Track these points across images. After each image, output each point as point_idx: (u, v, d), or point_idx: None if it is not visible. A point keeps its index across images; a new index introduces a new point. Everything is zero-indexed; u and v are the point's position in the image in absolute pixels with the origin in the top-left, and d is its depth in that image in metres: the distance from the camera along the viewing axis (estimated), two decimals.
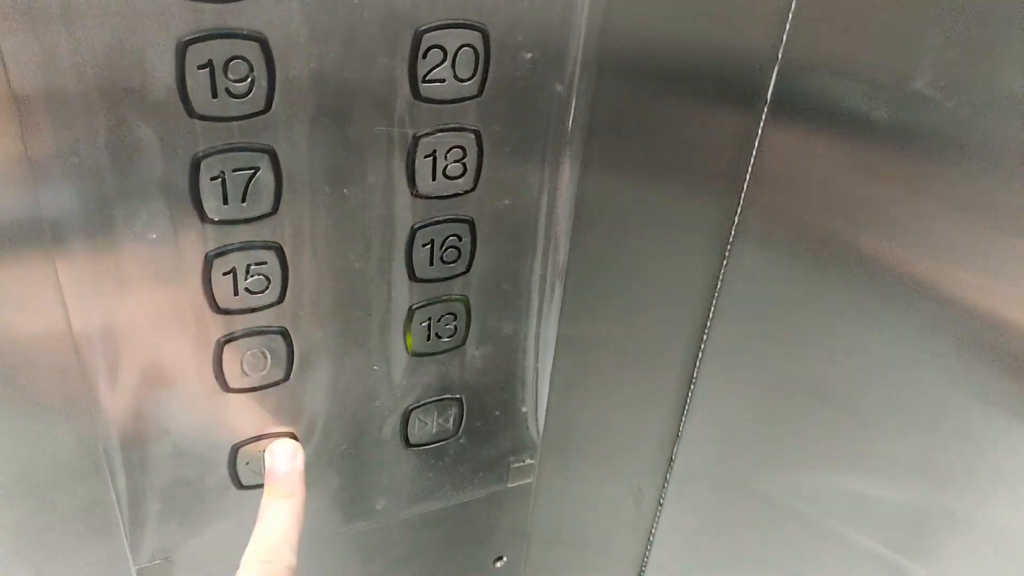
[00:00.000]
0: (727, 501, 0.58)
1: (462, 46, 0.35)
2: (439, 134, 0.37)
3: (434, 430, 0.48)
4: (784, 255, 0.48)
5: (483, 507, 0.53)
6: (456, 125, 0.37)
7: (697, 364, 0.54)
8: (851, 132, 0.42)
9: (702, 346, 0.53)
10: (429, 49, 0.34)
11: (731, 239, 0.49)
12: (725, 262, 0.50)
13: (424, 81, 0.35)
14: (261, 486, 0.44)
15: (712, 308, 0.52)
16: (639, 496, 0.62)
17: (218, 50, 0.31)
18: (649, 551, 0.65)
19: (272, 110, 0.33)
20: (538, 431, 0.52)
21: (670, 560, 0.64)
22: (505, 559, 0.58)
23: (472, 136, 0.38)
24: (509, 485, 0.54)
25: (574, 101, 0.39)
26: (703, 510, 0.60)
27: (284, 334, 0.40)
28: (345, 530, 0.49)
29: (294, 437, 0.43)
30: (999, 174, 0.38)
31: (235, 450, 0.42)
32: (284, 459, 0.43)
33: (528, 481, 0.54)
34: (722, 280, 0.50)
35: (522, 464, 0.53)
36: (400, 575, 0.54)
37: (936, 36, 0.37)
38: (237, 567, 0.44)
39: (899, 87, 0.39)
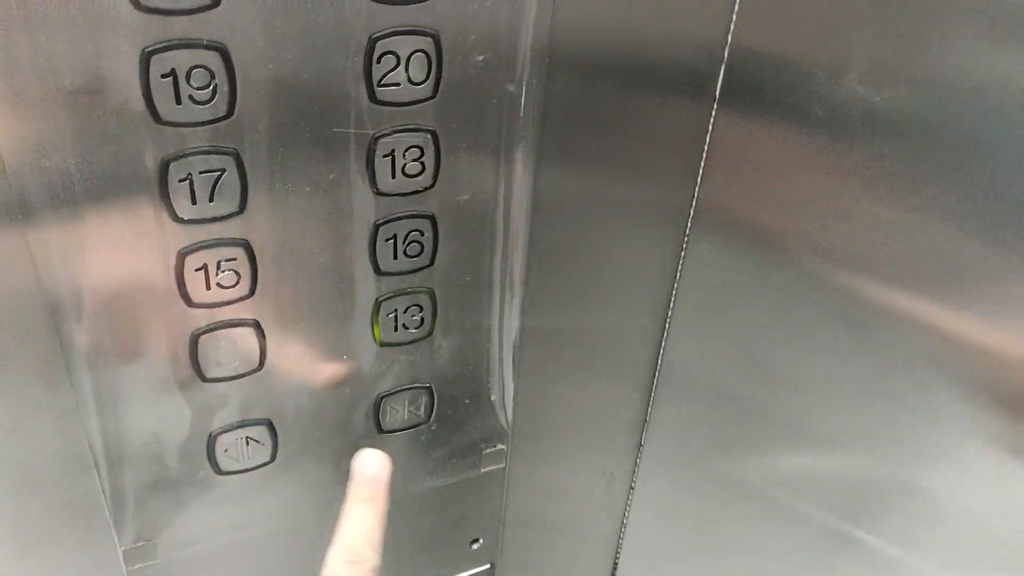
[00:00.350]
0: (696, 483, 0.60)
1: (415, 51, 0.37)
2: (396, 134, 0.39)
3: (405, 417, 0.50)
4: (740, 242, 0.50)
5: (457, 491, 0.56)
6: (413, 125, 0.39)
7: (660, 351, 0.57)
8: (799, 121, 0.44)
9: (664, 334, 0.55)
10: (383, 55, 0.37)
11: (688, 228, 0.51)
12: (683, 252, 0.52)
13: (379, 85, 0.37)
14: (240, 472, 0.47)
15: (672, 296, 0.54)
16: (611, 480, 0.64)
17: (181, 59, 0.33)
18: (623, 533, 0.67)
19: (235, 115, 0.35)
20: (507, 418, 0.54)
21: (644, 542, 0.66)
22: (481, 541, 0.60)
23: (429, 136, 0.40)
24: (482, 470, 0.56)
25: (525, 99, 0.41)
26: (673, 493, 0.63)
27: (256, 326, 0.42)
28: (319, 517, 0.51)
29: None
30: (940, 163, 0.40)
31: (213, 437, 0.45)
32: (371, 465, 0.46)
33: (500, 466, 0.56)
34: (681, 269, 0.52)
35: (493, 450, 0.55)
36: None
37: (879, 24, 0.39)
38: (218, 548, 0.47)
39: (843, 76, 0.41)
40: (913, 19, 0.38)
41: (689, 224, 0.51)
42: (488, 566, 0.62)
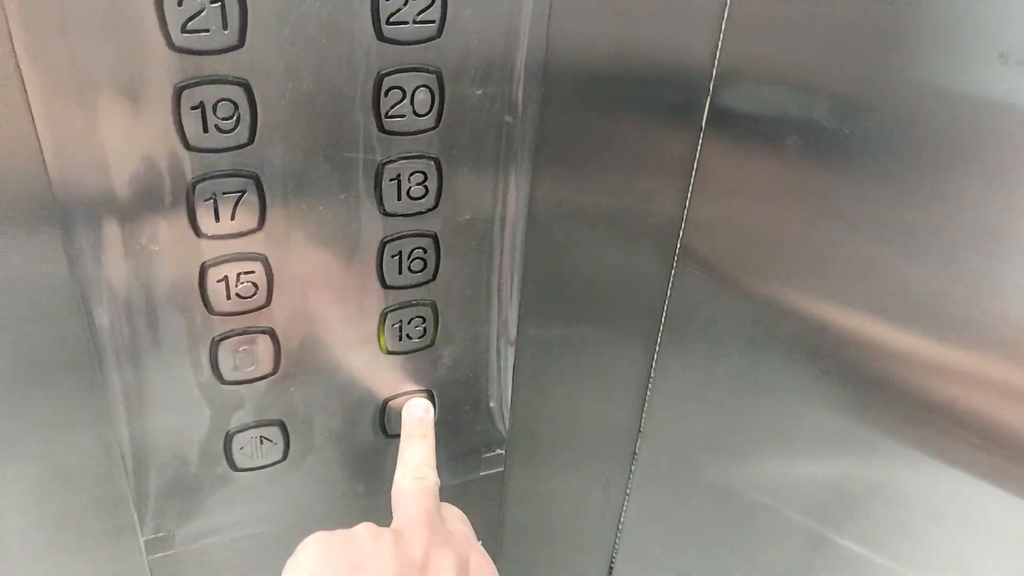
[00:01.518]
0: (688, 489, 0.63)
1: (419, 86, 0.41)
2: (402, 161, 0.43)
3: None
4: (726, 261, 0.53)
5: (457, 494, 0.59)
6: (417, 153, 0.43)
7: (653, 364, 0.60)
8: (784, 143, 0.47)
9: (656, 347, 0.59)
10: (390, 89, 0.40)
11: (677, 247, 0.54)
12: (673, 270, 0.55)
13: (387, 116, 0.41)
14: (254, 469, 0.50)
15: (663, 311, 0.57)
16: (606, 487, 0.67)
17: (208, 94, 0.37)
18: (618, 538, 0.70)
19: (255, 142, 0.39)
20: (505, 425, 0.57)
21: (638, 547, 0.69)
22: (480, 543, 0.63)
23: (432, 162, 0.44)
24: (481, 474, 0.59)
25: (521, 128, 0.45)
26: (667, 499, 0.66)
27: (271, 334, 0.46)
28: (328, 513, 0.55)
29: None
30: (906, 184, 0.43)
31: (230, 436, 0.48)
32: (420, 409, 0.52)
33: (499, 471, 0.60)
34: (671, 285, 0.56)
35: (492, 455, 0.58)
36: None
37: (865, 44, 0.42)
38: (232, 541, 0.50)
39: (821, 106, 0.45)
40: (893, 52, 0.41)
41: (679, 239, 0.54)
42: None
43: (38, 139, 0.35)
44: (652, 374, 0.61)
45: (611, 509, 0.68)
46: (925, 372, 0.44)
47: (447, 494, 0.58)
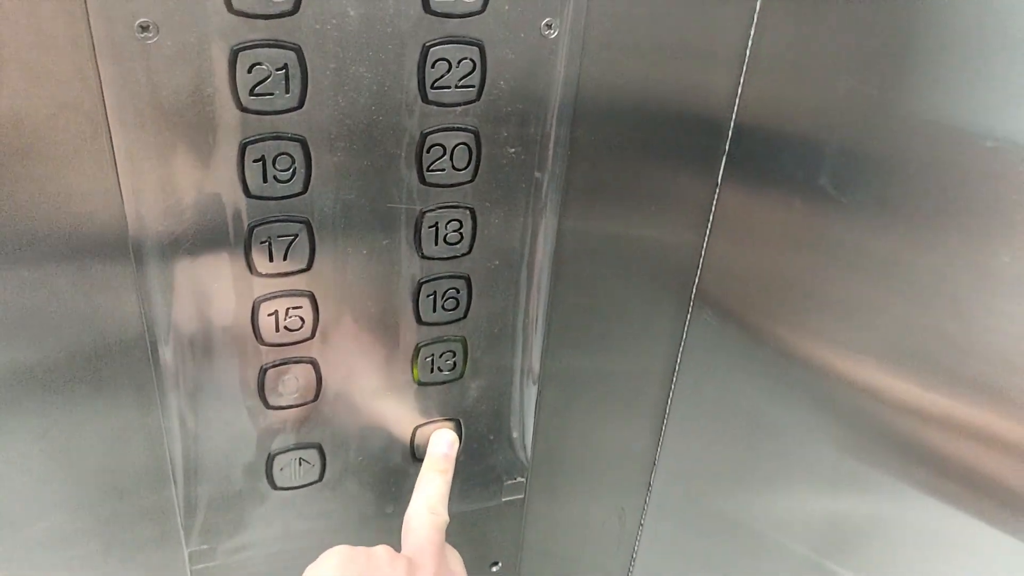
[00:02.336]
0: (700, 521, 0.66)
1: (458, 143, 0.45)
2: (440, 210, 0.47)
3: None
4: (741, 304, 0.57)
5: (480, 517, 0.62)
6: (454, 203, 0.47)
7: (669, 401, 0.63)
8: (798, 190, 0.50)
9: (672, 385, 0.62)
10: (432, 146, 0.44)
11: (694, 288, 0.58)
12: (689, 313, 0.59)
13: (428, 170, 0.45)
14: (292, 488, 0.54)
15: (680, 349, 0.61)
16: (622, 516, 0.70)
17: (269, 149, 0.41)
18: (632, 566, 0.73)
19: (309, 191, 0.43)
20: (527, 454, 0.60)
21: (652, 574, 0.72)
22: (500, 565, 0.67)
23: (467, 211, 0.47)
24: (503, 500, 0.62)
25: (548, 181, 0.48)
26: (680, 530, 0.69)
27: (314, 364, 0.50)
28: (358, 531, 0.58)
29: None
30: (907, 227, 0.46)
31: (271, 457, 0.52)
32: (444, 444, 0.54)
33: (520, 497, 0.63)
34: (687, 327, 0.59)
35: (514, 482, 0.62)
36: None
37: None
38: (270, 555, 0.54)
39: (844, 151, 0.48)
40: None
41: (694, 288, 0.57)
42: None
43: (120, 190, 0.40)
44: (667, 411, 0.64)
45: (626, 537, 0.71)
46: (921, 415, 0.47)
47: (472, 518, 0.61)
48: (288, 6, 0.38)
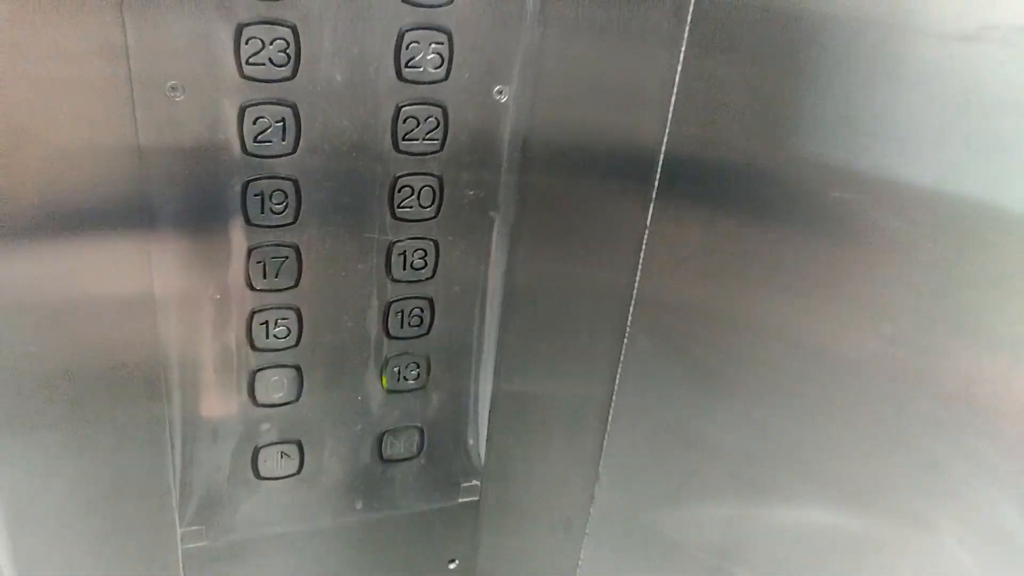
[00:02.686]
0: (639, 533, 0.74)
1: (424, 186, 0.54)
2: (408, 241, 0.56)
3: (401, 450, 0.65)
4: (674, 328, 0.66)
5: (439, 516, 0.70)
6: (420, 236, 0.56)
7: (608, 419, 0.72)
8: (720, 222, 0.60)
9: (611, 404, 0.71)
10: (402, 187, 0.54)
11: (630, 313, 0.66)
12: (626, 338, 0.68)
13: (398, 208, 0.54)
14: (273, 478, 0.62)
15: (617, 373, 0.69)
16: (567, 525, 0.78)
17: (265, 187, 0.51)
18: (578, 572, 0.81)
19: (298, 222, 0.53)
20: (480, 460, 0.69)
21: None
22: (457, 562, 0.74)
23: (432, 243, 0.57)
24: (459, 501, 0.70)
25: (502, 219, 0.58)
26: (621, 540, 0.76)
27: (298, 369, 0.58)
28: (331, 524, 0.66)
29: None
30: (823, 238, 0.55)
31: (257, 449, 0.60)
32: None
33: (475, 499, 0.71)
34: (624, 352, 0.68)
35: (469, 484, 0.70)
36: (372, 568, 0.71)
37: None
38: (254, 538, 0.62)
39: (768, 174, 0.57)
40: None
41: (630, 312, 0.66)
42: None
43: (146, 215, 0.49)
44: (607, 428, 0.72)
45: (572, 545, 0.79)
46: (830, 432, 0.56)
47: (432, 517, 0.69)
48: (288, 72, 0.48)
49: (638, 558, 0.76)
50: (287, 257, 0.54)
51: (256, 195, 0.51)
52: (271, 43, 0.47)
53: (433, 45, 0.50)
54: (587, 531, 0.79)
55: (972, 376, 0.51)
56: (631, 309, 0.66)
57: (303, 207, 0.52)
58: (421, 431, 0.65)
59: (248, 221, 0.52)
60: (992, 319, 0.50)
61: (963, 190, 0.49)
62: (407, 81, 0.51)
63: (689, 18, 0.54)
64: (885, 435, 0.56)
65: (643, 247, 0.64)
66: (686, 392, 0.66)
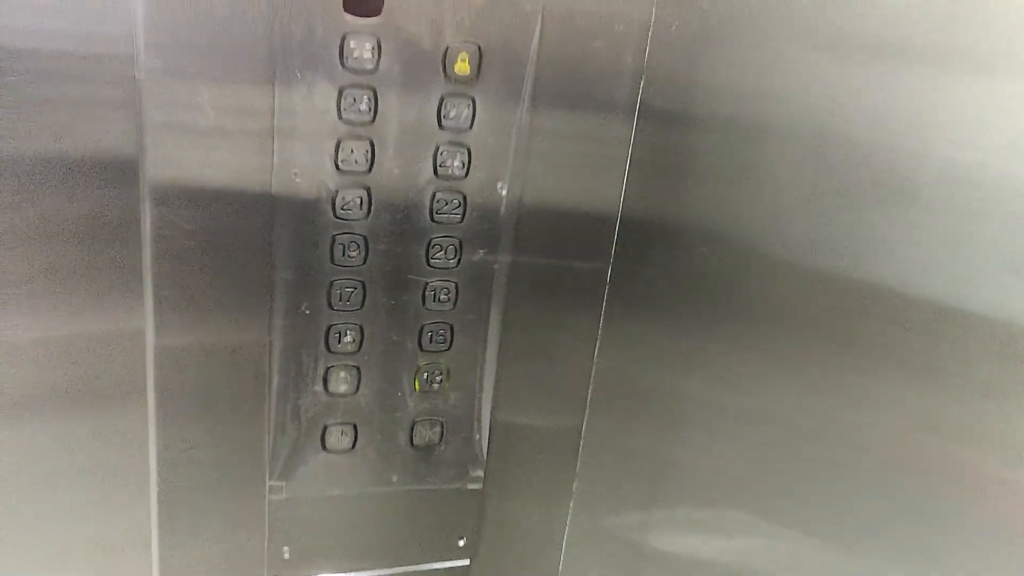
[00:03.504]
0: (616, 539, 0.96)
1: (449, 245, 0.82)
2: (438, 282, 0.83)
3: (427, 439, 0.90)
4: (640, 349, 0.90)
5: (451, 496, 0.94)
6: (446, 279, 0.83)
7: (581, 437, 0.95)
8: (682, 285, 0.85)
9: (585, 415, 0.95)
10: (434, 245, 0.81)
11: (596, 349, 0.91)
12: (591, 379, 0.92)
13: (432, 259, 0.82)
14: (335, 452, 0.88)
15: (589, 393, 0.94)
16: (551, 521, 1.01)
17: (347, 239, 0.79)
18: (561, 564, 1.02)
19: (366, 264, 0.80)
20: (483, 452, 0.93)
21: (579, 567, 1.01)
22: (465, 540, 0.98)
23: (454, 284, 0.84)
24: (468, 486, 0.95)
25: (499, 270, 0.85)
26: (597, 547, 0.98)
27: (358, 369, 0.85)
28: (373, 492, 0.91)
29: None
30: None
31: (326, 428, 0.86)
32: None
33: (478, 487, 0.95)
34: (595, 367, 0.92)
35: (476, 473, 0.94)
36: (393, 536, 0.95)
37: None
38: (321, 497, 0.87)
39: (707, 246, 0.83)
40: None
41: (596, 348, 0.92)
42: (468, 561, 0.99)
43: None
44: (581, 443, 0.96)
45: (555, 540, 1.01)
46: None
47: (444, 496, 0.93)
48: (365, 168, 0.77)
49: (620, 564, 0.97)
50: (355, 288, 0.81)
51: (340, 244, 0.79)
52: (357, 150, 0.76)
53: (458, 155, 0.79)
54: (564, 535, 1.01)
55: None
56: (596, 344, 0.92)
57: (369, 255, 0.80)
58: (442, 424, 0.90)
59: (333, 261, 0.80)
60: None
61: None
62: (440, 177, 0.79)
63: (633, 131, 0.82)
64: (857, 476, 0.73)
65: (605, 295, 0.90)
66: (653, 412, 0.90)
